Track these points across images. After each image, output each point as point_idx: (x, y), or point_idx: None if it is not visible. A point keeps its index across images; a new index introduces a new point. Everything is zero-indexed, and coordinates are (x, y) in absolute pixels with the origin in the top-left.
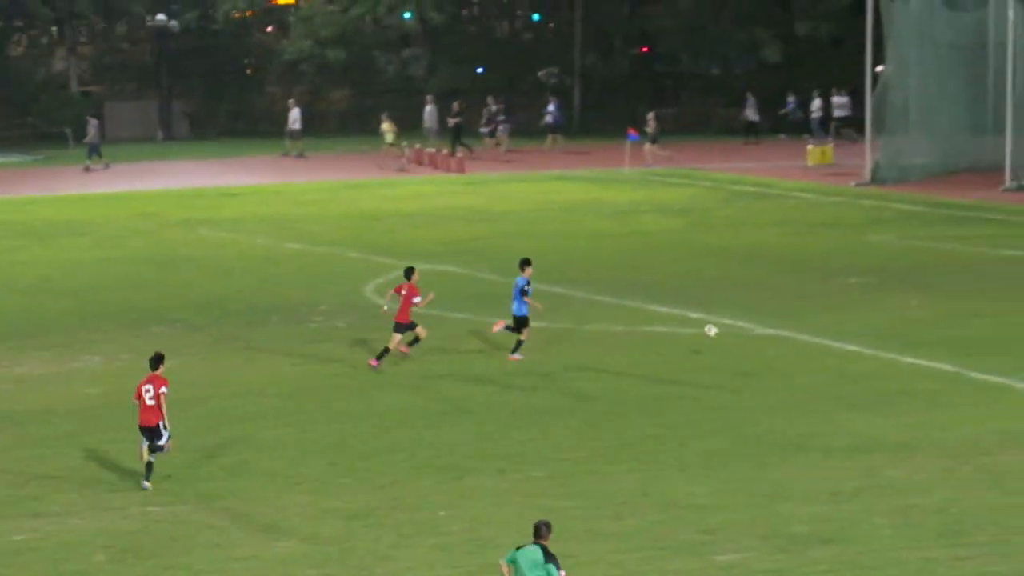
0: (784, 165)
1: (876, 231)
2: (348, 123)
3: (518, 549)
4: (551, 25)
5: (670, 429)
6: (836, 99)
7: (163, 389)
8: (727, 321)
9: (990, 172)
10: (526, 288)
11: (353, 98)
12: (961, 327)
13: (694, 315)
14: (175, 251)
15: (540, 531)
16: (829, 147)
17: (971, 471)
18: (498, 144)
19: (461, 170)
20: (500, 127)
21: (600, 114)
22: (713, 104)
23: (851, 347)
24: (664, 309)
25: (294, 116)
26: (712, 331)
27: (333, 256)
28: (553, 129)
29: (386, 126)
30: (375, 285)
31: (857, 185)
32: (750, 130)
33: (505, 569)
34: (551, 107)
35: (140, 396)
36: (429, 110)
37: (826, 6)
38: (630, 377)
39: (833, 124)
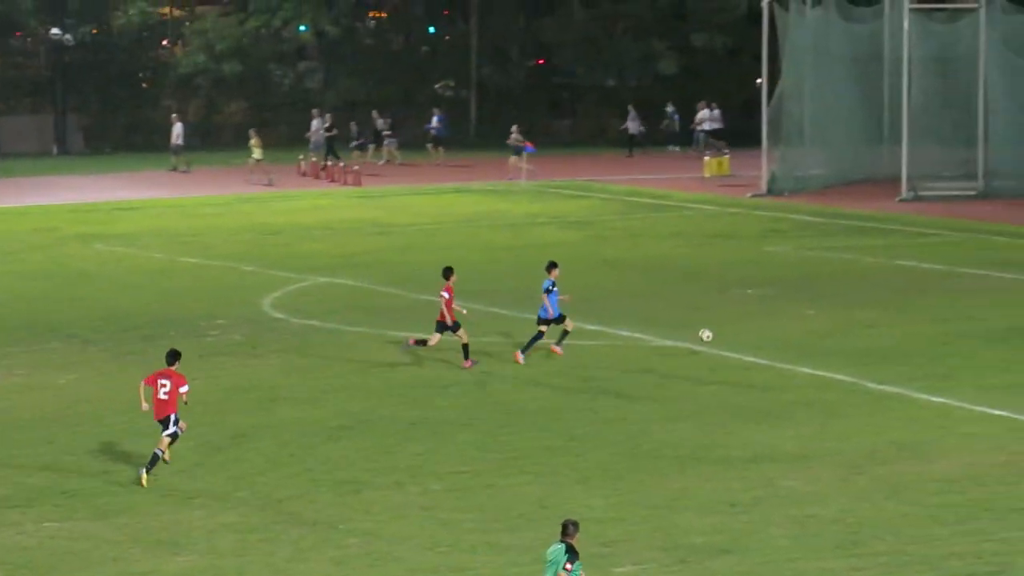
0: (681, 177)
1: (773, 242)
2: (244, 136)
3: (549, 549)
4: (447, 37)
5: (568, 441)
6: (705, 113)
7: (183, 388)
8: (624, 333)
9: (886, 183)
10: (551, 288)
11: (249, 111)
12: (858, 337)
13: (592, 327)
14: (71, 266)
15: (567, 529)
16: (726, 159)
17: (868, 481)
18: (388, 159)
19: (358, 183)
20: (387, 141)
21: (496, 126)
22: (609, 116)
23: (748, 358)
24: None
25: (177, 131)
26: (707, 335)
27: (229, 270)
28: (436, 142)
29: (254, 142)
30: (271, 299)
31: (754, 196)
32: (632, 142)
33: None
34: (435, 119)
35: (154, 386)
36: (316, 124)
37: (721, 18)
38: (528, 389)
39: (702, 136)
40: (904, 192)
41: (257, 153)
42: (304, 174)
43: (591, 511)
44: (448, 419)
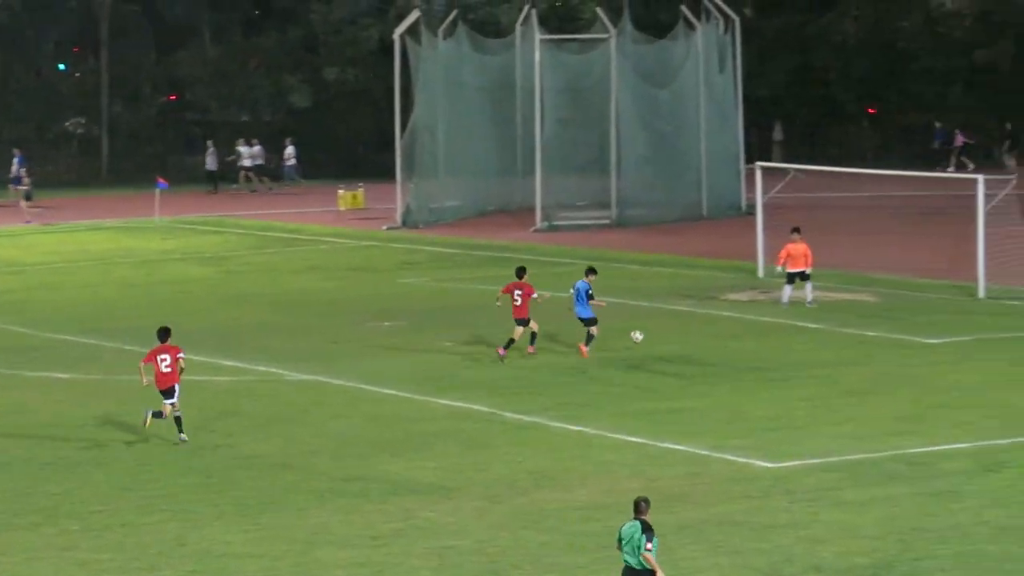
0: (315, 211)
1: (409, 274)
2: None
3: (622, 527)
4: (77, 75)
5: (207, 478)
6: (245, 149)
7: (181, 355)
8: (261, 368)
9: (522, 213)
10: (590, 292)
11: None
12: (495, 368)
13: (228, 363)
14: None
15: (639, 507)
16: (360, 192)
17: (508, 511)
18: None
19: None
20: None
21: (129, 162)
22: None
23: (386, 390)
24: (198, 358)
25: None
26: (638, 336)
27: None
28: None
29: None
30: None
31: (389, 229)
32: (210, 179)
33: (619, 547)
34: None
35: (154, 361)
36: None
37: (353, 51)
38: (165, 426)
39: (241, 173)
40: (539, 222)
41: None
42: None
43: (230, 547)
44: (85, 459)
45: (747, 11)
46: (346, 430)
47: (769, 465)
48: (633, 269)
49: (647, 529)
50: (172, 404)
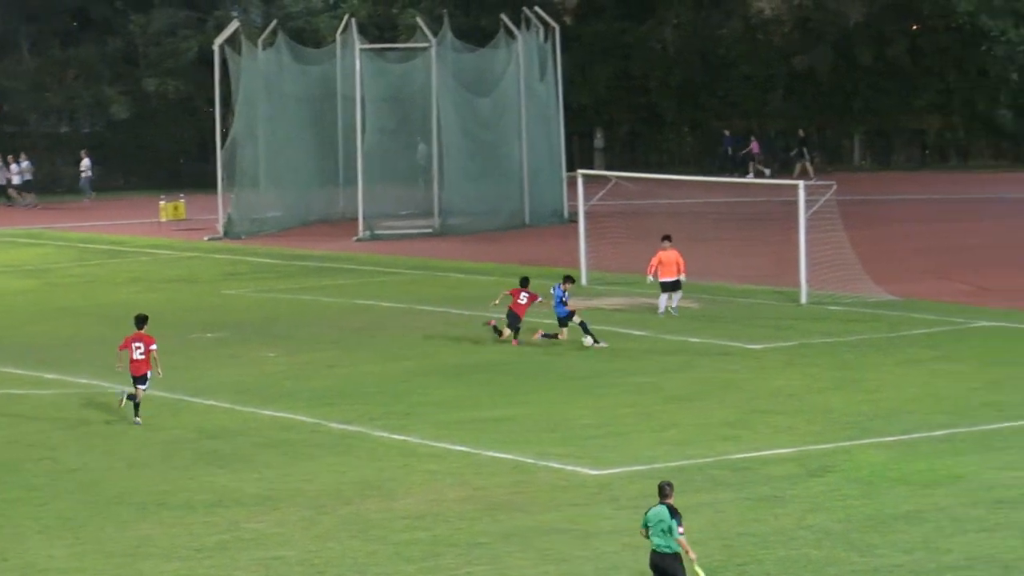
0: (137, 222)
1: (231, 285)
2: None
3: (648, 511)
4: None
5: (28, 492)
6: (14, 165)
7: (153, 347)
8: (84, 380)
9: (344, 223)
10: (564, 298)
11: None
12: (319, 378)
13: (51, 376)
14: None
15: (664, 491)
16: (182, 203)
17: (334, 521)
18: None
19: None
20: None
21: None
22: (63, 163)
23: (210, 402)
24: (19, 371)
25: None
26: (589, 342)
27: None
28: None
29: None
30: None
31: (210, 240)
32: (2, 192)
33: (643, 533)
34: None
35: (129, 348)
36: None
37: (173, 62)
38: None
39: (10, 191)
40: (361, 232)
41: None
42: None
43: (53, 560)
44: None
45: (567, 19)
46: (170, 442)
47: (594, 472)
48: (456, 278)
49: (675, 513)
50: (143, 389)
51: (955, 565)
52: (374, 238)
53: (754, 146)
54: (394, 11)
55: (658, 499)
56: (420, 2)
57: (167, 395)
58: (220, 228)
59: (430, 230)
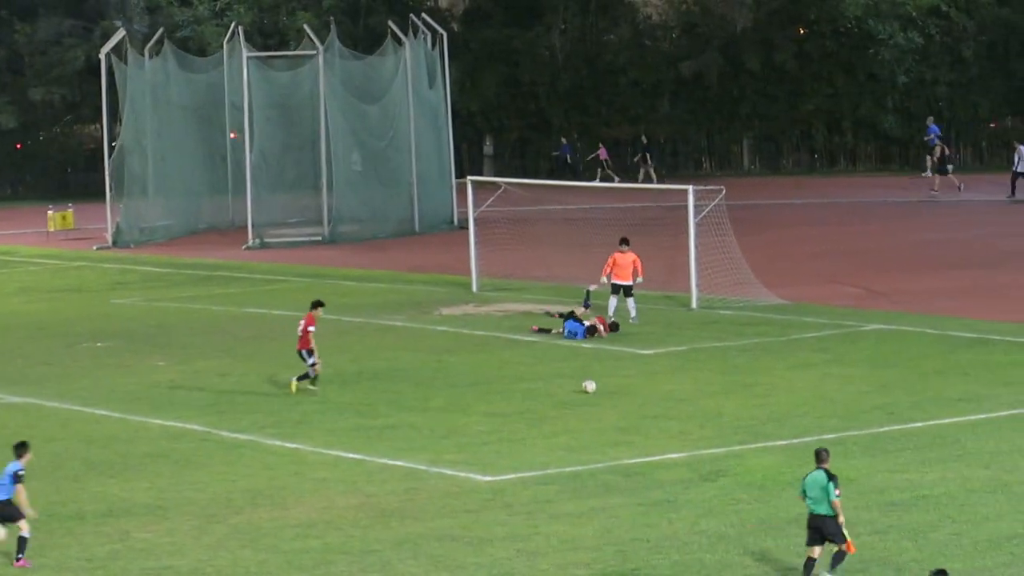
0: (25, 232)
1: (120, 294)
2: None
3: (805, 477)
4: None
5: None
6: None
7: (310, 328)
8: None
9: (233, 231)
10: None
11: None
12: (209, 386)
13: None
14: None
15: (820, 456)
16: (70, 212)
17: (225, 530)
18: None
19: None
20: None
21: None
22: None
23: (100, 411)
24: None
25: None
26: (591, 387)
27: None
28: None
29: None
30: None
31: (99, 249)
32: None
33: (801, 498)
34: None
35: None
36: None
37: (59, 71)
38: None
39: None
40: (251, 240)
41: None
42: None
43: None
44: None
45: (455, 26)
46: (60, 452)
47: (486, 479)
48: (347, 285)
49: (832, 477)
50: (312, 364)
51: (848, 568)
52: (264, 246)
53: (602, 152)
54: (281, 18)
55: (815, 465)
56: (307, 9)
57: (56, 405)
58: (109, 237)
59: (320, 238)
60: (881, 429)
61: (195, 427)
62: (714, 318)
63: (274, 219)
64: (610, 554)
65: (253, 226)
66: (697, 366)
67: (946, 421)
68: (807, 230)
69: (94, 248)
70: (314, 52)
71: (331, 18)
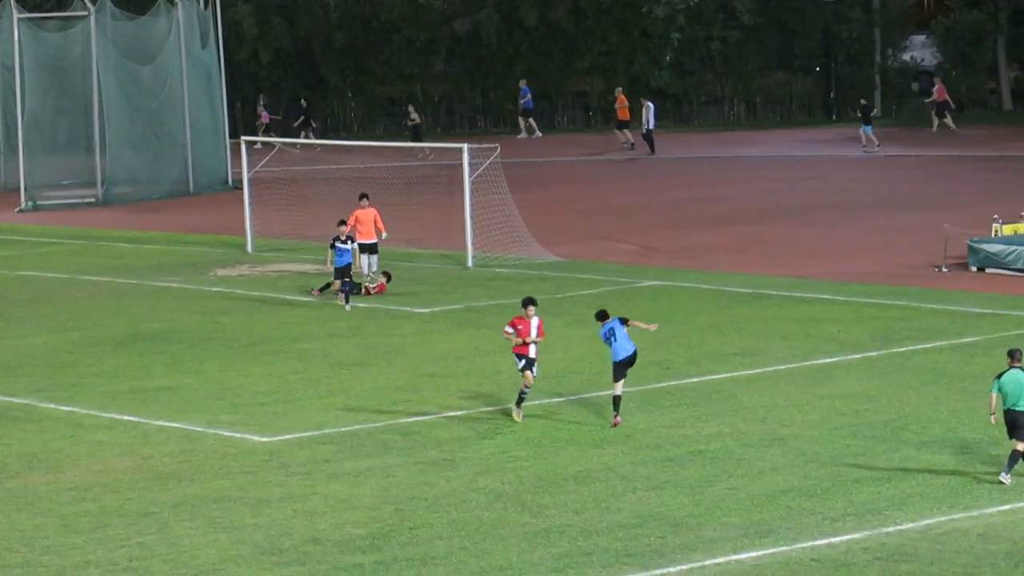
0: None
1: None
2: None
3: (999, 377)
4: None
5: None
6: None
7: (507, 328)
8: None
9: (5, 193)
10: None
11: None
12: None
13: None
14: None
15: (1014, 355)
16: None
17: (0, 494)
18: None
19: None
20: None
21: None
22: None
23: None
24: None
25: None
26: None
27: None
28: None
29: None
30: None
31: None
32: None
33: (993, 398)
34: None
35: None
36: None
37: None
38: None
39: None
40: (23, 203)
41: None
42: None
43: None
44: None
45: None
46: None
47: (263, 439)
48: (121, 247)
49: None
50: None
51: (625, 523)
52: (36, 208)
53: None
54: None
55: (1008, 364)
56: None
57: None
58: None
59: (93, 200)
60: (657, 385)
61: None
62: (490, 276)
63: (47, 181)
64: (388, 513)
65: (26, 189)
66: (474, 324)
67: (722, 376)
68: (582, 187)
69: None
70: (85, 13)
71: None
